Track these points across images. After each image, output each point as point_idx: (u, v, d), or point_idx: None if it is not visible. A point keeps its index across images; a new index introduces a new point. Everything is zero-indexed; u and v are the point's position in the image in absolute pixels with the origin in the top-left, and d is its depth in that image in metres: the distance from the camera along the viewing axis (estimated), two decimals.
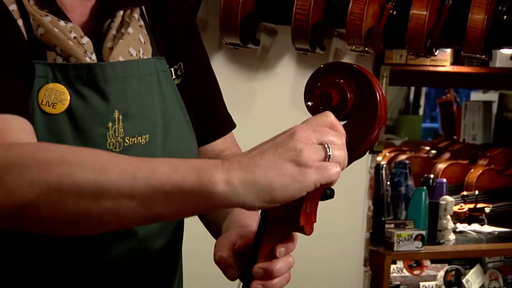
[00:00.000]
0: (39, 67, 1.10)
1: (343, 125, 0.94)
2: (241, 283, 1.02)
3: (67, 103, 1.10)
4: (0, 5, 1.10)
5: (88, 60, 1.12)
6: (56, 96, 1.10)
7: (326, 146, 0.88)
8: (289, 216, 0.95)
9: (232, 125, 1.39)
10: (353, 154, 0.94)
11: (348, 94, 0.93)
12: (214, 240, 1.13)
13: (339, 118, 0.94)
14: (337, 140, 0.90)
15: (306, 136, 0.88)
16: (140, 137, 1.16)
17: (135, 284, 1.21)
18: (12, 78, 1.06)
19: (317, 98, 0.95)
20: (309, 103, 0.95)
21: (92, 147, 1.06)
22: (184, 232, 1.37)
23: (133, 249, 1.19)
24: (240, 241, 1.06)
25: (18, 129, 1.02)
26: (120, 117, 1.14)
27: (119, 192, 0.90)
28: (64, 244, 1.13)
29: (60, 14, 1.13)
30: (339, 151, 0.90)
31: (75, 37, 1.13)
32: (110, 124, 1.13)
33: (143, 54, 1.19)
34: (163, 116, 1.19)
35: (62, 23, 1.12)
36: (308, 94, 0.96)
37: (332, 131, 0.91)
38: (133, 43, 1.18)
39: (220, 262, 1.05)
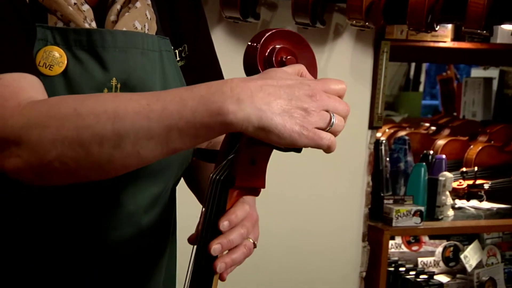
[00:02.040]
0: (39, 30, 1.12)
1: None
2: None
3: (64, 66, 1.12)
4: None
5: (87, 26, 1.14)
6: (54, 59, 1.11)
7: (331, 116, 0.93)
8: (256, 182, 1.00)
9: None
10: None
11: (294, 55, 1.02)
12: None
13: None
14: (342, 110, 0.95)
15: (321, 101, 0.93)
16: None
17: (122, 259, 1.21)
18: (18, 38, 1.07)
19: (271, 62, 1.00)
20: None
21: None
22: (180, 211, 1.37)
23: (122, 224, 1.18)
24: None
25: (29, 87, 1.04)
26: (118, 85, 1.15)
27: (137, 135, 0.94)
28: (51, 219, 1.14)
29: None
30: (341, 122, 0.94)
31: (75, 3, 1.14)
32: (105, 91, 1.14)
33: (148, 30, 1.20)
34: None
35: None
36: (255, 59, 1.00)
37: (341, 101, 0.96)
38: (139, 17, 1.19)
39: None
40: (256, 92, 0.92)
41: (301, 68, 0.99)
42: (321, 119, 0.92)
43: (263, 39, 1.00)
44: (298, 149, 0.96)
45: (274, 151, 0.99)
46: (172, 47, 1.25)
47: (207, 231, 1.02)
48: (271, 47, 1.01)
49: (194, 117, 0.92)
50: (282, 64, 1.00)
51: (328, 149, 0.94)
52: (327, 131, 0.93)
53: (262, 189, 1.03)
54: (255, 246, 1.06)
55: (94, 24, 1.15)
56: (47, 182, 1.02)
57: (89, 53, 1.13)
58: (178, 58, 1.26)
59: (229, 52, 2.62)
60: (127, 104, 0.95)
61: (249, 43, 1.01)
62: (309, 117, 0.92)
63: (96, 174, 1.00)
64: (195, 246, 1.03)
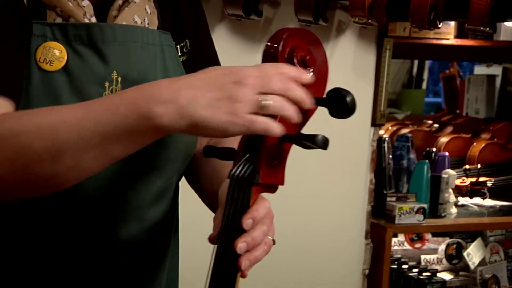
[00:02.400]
0: (38, 26, 1.12)
1: None
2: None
3: (64, 61, 1.12)
4: None
5: (87, 21, 1.14)
6: (53, 54, 1.12)
7: (261, 99, 0.92)
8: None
9: None
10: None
11: (311, 57, 1.01)
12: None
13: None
14: (286, 90, 0.94)
15: (250, 86, 0.92)
16: None
17: (126, 255, 1.21)
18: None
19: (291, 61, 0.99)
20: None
21: None
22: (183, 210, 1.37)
23: (126, 219, 1.18)
24: None
25: None
26: (119, 79, 1.15)
27: (74, 149, 0.96)
28: (52, 217, 1.14)
29: None
30: (280, 102, 0.93)
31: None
32: (107, 84, 1.14)
33: (148, 24, 1.20)
34: None
35: None
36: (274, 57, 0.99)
37: (287, 81, 0.94)
38: (139, 12, 1.19)
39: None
40: (182, 90, 0.93)
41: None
42: (250, 103, 0.91)
43: (283, 39, 1.00)
44: (319, 146, 0.95)
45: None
46: (174, 43, 1.25)
47: (229, 229, 1.01)
48: (290, 46, 1.00)
49: (125, 124, 0.94)
50: (303, 63, 1.00)
51: (266, 132, 0.93)
52: (263, 114, 0.92)
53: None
54: (274, 243, 1.06)
55: (94, 19, 1.15)
56: None
57: (89, 47, 1.13)
58: (180, 53, 1.26)
59: (231, 50, 2.63)
60: (61, 119, 0.97)
61: (268, 44, 1.01)
62: (237, 104, 0.91)
63: (45, 189, 1.01)
64: (215, 245, 1.03)
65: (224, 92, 0.92)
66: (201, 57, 1.31)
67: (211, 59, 1.36)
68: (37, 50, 1.11)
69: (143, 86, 0.96)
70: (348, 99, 0.97)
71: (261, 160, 0.99)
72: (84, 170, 0.99)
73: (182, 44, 1.27)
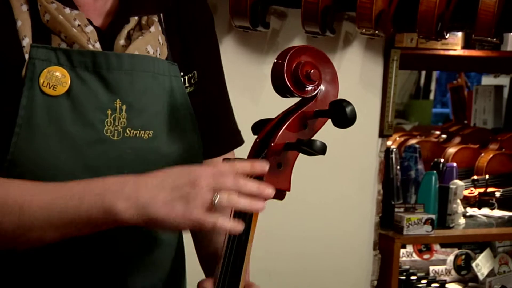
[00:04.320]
0: (43, 51, 1.13)
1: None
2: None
3: (67, 86, 1.13)
4: None
5: (91, 47, 1.15)
6: (57, 79, 1.12)
7: (215, 195, 1.02)
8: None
9: (239, 142, 1.39)
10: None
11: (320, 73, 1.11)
12: None
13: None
14: (235, 186, 1.03)
15: (202, 186, 1.02)
16: (143, 132, 1.18)
17: (128, 264, 1.22)
18: None
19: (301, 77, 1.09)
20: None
21: (89, 131, 1.14)
22: None
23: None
24: None
25: None
26: (124, 107, 1.16)
27: (41, 227, 1.05)
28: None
29: (67, 2, 1.15)
30: (230, 197, 1.02)
31: (79, 25, 1.15)
32: (109, 112, 1.14)
33: (159, 54, 1.21)
34: (171, 117, 1.21)
35: (67, 10, 1.15)
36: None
37: (231, 177, 1.03)
38: (152, 41, 1.20)
39: None
40: (142, 188, 1.02)
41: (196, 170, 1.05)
42: (201, 203, 1.01)
43: (289, 55, 1.08)
44: (317, 151, 1.05)
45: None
46: (182, 73, 1.25)
47: (232, 244, 1.10)
48: (296, 62, 1.08)
49: (90, 214, 1.03)
50: (307, 77, 1.08)
51: (213, 229, 1.02)
52: (216, 210, 1.01)
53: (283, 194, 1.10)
54: None
55: (98, 45, 1.16)
56: None
57: (94, 74, 1.14)
58: (187, 84, 1.26)
59: (239, 61, 2.62)
60: (32, 198, 1.05)
61: (275, 61, 1.09)
62: (190, 204, 1.01)
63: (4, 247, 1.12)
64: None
65: (179, 193, 1.01)
66: (209, 89, 1.31)
67: (219, 93, 1.36)
68: (41, 74, 1.12)
69: (111, 180, 1.05)
70: (347, 109, 1.05)
71: None
72: (44, 242, 1.07)
73: (190, 75, 1.27)
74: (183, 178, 1.02)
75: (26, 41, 1.13)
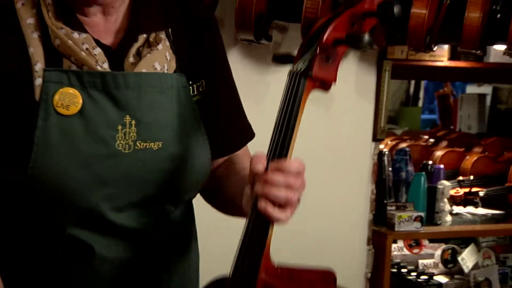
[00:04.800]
0: (55, 73, 1.14)
1: None
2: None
3: (80, 105, 1.14)
4: None
5: (99, 68, 1.15)
6: (70, 99, 1.13)
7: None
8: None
9: (250, 137, 1.38)
10: None
11: None
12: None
13: None
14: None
15: None
16: (152, 143, 1.17)
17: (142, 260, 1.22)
18: None
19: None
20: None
21: (101, 147, 1.14)
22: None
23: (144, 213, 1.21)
24: None
25: None
26: (133, 122, 1.16)
27: None
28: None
29: (75, 25, 1.16)
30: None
31: (87, 48, 1.15)
32: (119, 127, 1.15)
33: (167, 69, 1.21)
34: (179, 127, 1.21)
35: (75, 34, 1.15)
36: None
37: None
38: (159, 59, 1.19)
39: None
40: None
41: None
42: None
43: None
44: (366, 45, 1.07)
45: None
46: (190, 82, 1.24)
47: (281, 126, 1.09)
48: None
49: None
50: None
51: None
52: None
53: None
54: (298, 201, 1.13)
55: (106, 65, 1.16)
56: None
57: (103, 93, 1.15)
58: (195, 92, 1.25)
59: (244, 71, 2.65)
60: None
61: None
62: None
63: None
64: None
65: None
66: (217, 96, 1.30)
67: (229, 98, 1.34)
68: (54, 96, 1.13)
69: None
70: (395, 9, 1.10)
71: (314, 59, 1.09)
72: None
73: (198, 83, 1.26)
74: None
75: (39, 66, 1.14)
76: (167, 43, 1.22)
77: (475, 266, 3.29)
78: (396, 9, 1.09)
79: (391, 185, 3.07)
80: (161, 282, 1.24)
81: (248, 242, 1.09)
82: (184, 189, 1.24)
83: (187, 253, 1.31)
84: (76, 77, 1.14)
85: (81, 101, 1.13)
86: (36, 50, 1.14)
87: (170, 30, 1.24)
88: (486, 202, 3.46)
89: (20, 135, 1.12)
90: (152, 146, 1.17)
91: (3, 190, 1.15)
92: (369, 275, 2.98)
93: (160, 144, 1.18)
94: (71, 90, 1.13)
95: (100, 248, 1.17)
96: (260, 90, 2.68)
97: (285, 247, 2.74)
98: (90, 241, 1.16)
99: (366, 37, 1.08)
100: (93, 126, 1.14)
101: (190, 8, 1.29)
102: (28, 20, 1.15)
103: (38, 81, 1.13)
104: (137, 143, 1.16)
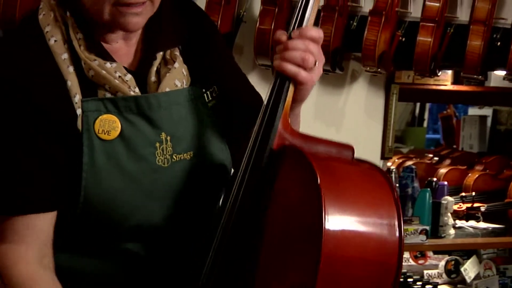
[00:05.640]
0: (92, 103, 1.14)
1: None
2: None
3: (119, 129, 1.14)
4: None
5: (132, 93, 1.15)
6: (109, 125, 1.13)
7: None
8: None
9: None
10: None
11: None
12: None
13: None
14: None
15: None
16: (185, 154, 1.18)
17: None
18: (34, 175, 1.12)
19: None
20: None
21: (144, 164, 1.15)
22: None
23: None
24: None
25: (19, 258, 1.12)
26: (168, 138, 1.16)
27: None
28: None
29: (106, 56, 1.16)
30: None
31: (119, 76, 1.15)
32: (157, 144, 1.15)
33: (186, 84, 1.21)
34: (203, 135, 1.21)
35: (108, 64, 1.15)
36: None
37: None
38: (178, 76, 1.20)
39: None
40: None
41: None
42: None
43: None
44: None
45: None
46: (204, 89, 1.24)
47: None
48: None
49: None
50: None
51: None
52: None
53: None
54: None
55: (137, 90, 1.16)
56: None
57: (138, 115, 1.15)
58: (210, 98, 1.24)
59: (261, 94, 2.62)
60: None
61: None
62: None
63: None
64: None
65: None
66: (231, 97, 1.27)
67: (243, 97, 1.31)
68: (95, 124, 1.13)
69: None
70: None
71: None
72: None
73: (210, 89, 1.25)
74: None
75: (77, 98, 1.13)
76: (181, 58, 1.22)
77: (477, 277, 3.25)
78: None
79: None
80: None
81: (268, 103, 1.10)
82: (215, 190, 1.23)
83: None
84: (112, 104, 1.14)
85: (119, 125, 1.14)
86: (73, 83, 1.14)
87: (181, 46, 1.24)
88: (487, 217, 3.43)
89: (70, 164, 1.12)
90: (186, 157, 1.18)
91: (57, 216, 1.15)
92: None
93: (192, 153, 1.19)
94: (110, 116, 1.14)
95: (149, 256, 1.19)
96: None
97: None
98: (142, 253, 1.18)
99: None
100: (133, 146, 1.14)
101: (198, 27, 1.28)
102: (62, 56, 1.14)
103: (78, 111, 1.13)
104: (174, 156, 1.17)
